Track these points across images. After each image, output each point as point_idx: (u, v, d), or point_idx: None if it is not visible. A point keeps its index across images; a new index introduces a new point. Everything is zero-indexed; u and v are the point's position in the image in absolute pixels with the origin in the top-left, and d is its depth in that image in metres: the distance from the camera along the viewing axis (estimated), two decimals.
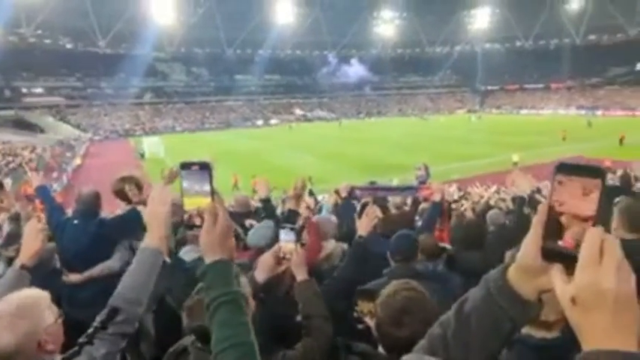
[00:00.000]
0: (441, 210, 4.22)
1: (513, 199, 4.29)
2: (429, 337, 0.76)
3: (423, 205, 5.22)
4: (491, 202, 7.22)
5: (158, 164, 11.11)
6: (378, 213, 4.02)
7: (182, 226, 3.32)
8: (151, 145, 34.04)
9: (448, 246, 3.71)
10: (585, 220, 0.56)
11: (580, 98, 61.03)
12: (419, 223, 4.49)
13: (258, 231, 2.95)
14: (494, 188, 11.77)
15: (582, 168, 0.57)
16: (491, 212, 4.83)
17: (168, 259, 1.88)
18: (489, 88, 75.65)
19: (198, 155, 4.47)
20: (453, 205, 6.91)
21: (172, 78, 69.67)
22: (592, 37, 70.01)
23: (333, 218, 3.43)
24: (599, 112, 51.75)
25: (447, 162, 23.69)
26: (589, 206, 0.56)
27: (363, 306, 1.87)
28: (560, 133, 30.87)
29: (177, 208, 1.92)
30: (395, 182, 16.29)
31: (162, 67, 69.20)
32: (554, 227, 0.59)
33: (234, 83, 71.01)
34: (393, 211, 5.81)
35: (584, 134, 32.48)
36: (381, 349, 1.50)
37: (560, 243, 0.58)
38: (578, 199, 0.56)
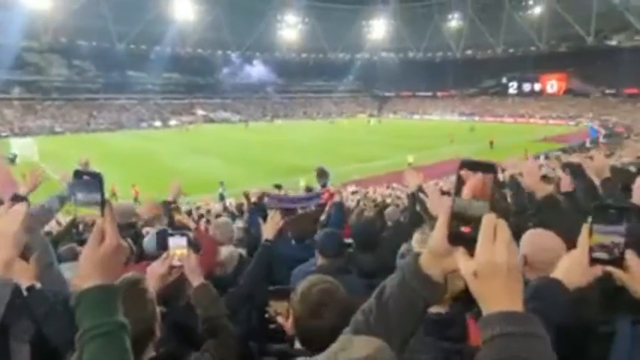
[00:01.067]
0: (343, 210, 4.53)
1: (407, 196, 4.55)
2: (354, 324, 0.82)
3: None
4: (388, 200, 7.63)
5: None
6: (280, 218, 4.21)
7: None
8: (21, 147, 29.30)
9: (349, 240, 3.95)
10: (481, 206, 0.66)
11: (461, 106, 69.17)
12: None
13: (153, 238, 2.87)
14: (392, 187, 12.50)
15: (479, 164, 0.68)
16: (388, 209, 5.03)
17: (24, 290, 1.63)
18: (387, 94, 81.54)
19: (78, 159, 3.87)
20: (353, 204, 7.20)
21: (50, 72, 60.70)
22: (469, 52, 79.78)
23: (229, 221, 3.49)
24: (476, 118, 59.19)
25: (349, 163, 24.70)
26: (485, 196, 0.67)
27: (277, 306, 1.89)
28: (448, 136, 34.49)
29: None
30: (302, 183, 16.43)
31: (34, 59, 59.73)
32: (458, 215, 0.68)
33: (127, 80, 64.78)
34: (300, 210, 5.81)
35: (467, 137, 36.62)
36: (298, 346, 1.52)
37: (462, 229, 0.68)
38: (477, 190, 0.67)
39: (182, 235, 1.65)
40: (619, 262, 0.95)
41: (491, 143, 30.78)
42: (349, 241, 4.34)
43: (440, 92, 76.23)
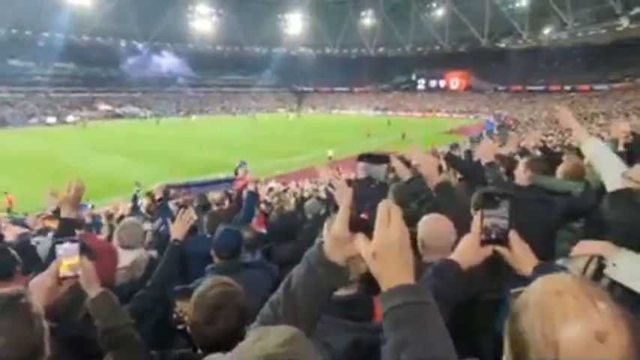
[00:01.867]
0: (257, 199, 4.43)
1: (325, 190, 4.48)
2: (261, 317, 0.86)
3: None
4: (306, 195, 7.56)
5: None
6: (193, 215, 3.99)
7: None
8: None
9: (263, 230, 4.08)
10: (377, 194, 0.76)
11: (376, 101, 72.42)
12: None
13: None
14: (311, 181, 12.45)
15: (375, 156, 0.77)
16: (308, 202, 4.89)
17: None
18: (305, 89, 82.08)
19: None
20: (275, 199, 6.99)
21: None
22: (381, 49, 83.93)
23: (137, 222, 3.19)
24: (389, 113, 62.43)
25: (270, 159, 24.34)
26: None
27: (182, 306, 1.87)
28: (366, 130, 35.76)
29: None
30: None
31: None
32: (358, 204, 0.76)
33: (9, 71, 55.91)
34: (214, 207, 5.50)
35: (384, 131, 38.16)
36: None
37: (361, 216, 0.76)
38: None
39: (72, 241, 1.47)
40: (505, 241, 1.09)
41: (404, 136, 32.71)
42: (263, 230, 4.29)
43: (356, 88, 78.90)
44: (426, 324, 0.70)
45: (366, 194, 0.77)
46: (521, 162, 2.95)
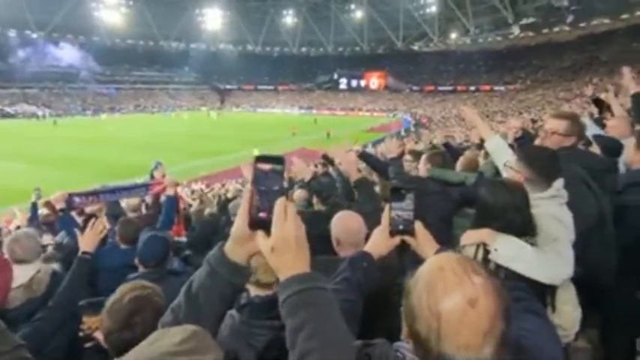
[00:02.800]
0: (176, 204, 4.12)
1: None
2: (162, 325, 0.87)
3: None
4: (231, 195, 7.31)
5: None
6: (106, 224, 3.74)
7: None
8: None
9: (183, 239, 3.92)
10: (275, 194, 0.80)
11: (301, 100, 72.92)
12: None
13: None
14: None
15: (271, 157, 0.81)
16: (232, 203, 4.65)
17: None
18: (228, 87, 79.62)
19: None
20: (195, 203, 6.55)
21: None
22: (304, 49, 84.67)
23: (33, 233, 2.71)
24: (314, 111, 63.32)
25: (195, 159, 23.19)
26: (275, 183, 0.80)
27: (90, 321, 1.79)
28: (291, 129, 35.70)
29: None
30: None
31: None
32: (256, 204, 0.80)
33: None
34: (130, 214, 4.96)
35: (310, 129, 38.46)
36: None
37: (260, 215, 0.80)
38: (270, 179, 0.81)
39: None
40: (411, 231, 1.19)
41: (328, 134, 33.33)
42: (182, 239, 3.95)
43: (280, 86, 78.60)
44: (320, 307, 0.76)
45: (265, 194, 0.80)
46: (423, 156, 3.18)
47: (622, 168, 2.77)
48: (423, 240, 1.20)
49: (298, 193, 4.44)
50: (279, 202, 0.78)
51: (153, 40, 77.50)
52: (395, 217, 1.18)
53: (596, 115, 4.54)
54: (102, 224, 2.49)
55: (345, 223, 1.87)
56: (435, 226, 2.32)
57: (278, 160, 0.81)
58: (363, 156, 4.41)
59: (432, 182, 2.80)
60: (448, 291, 0.72)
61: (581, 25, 53.34)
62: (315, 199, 3.44)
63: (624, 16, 48.54)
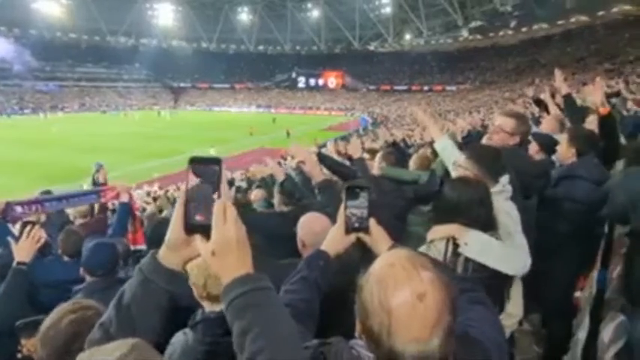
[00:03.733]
0: (131, 210, 4.02)
1: None
2: (89, 344, 0.82)
3: None
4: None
5: None
6: (42, 234, 3.12)
7: None
8: None
9: (142, 247, 3.67)
10: (211, 197, 0.78)
11: (259, 98, 71.91)
12: None
13: None
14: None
15: (205, 159, 0.80)
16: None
17: None
18: (182, 85, 76.88)
19: None
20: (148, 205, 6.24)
21: None
22: (261, 47, 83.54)
23: None
24: (272, 110, 62.76)
25: (147, 160, 22.21)
26: (212, 185, 0.79)
27: (29, 344, 1.66)
28: (248, 128, 35.12)
29: None
30: (85, 187, 13.61)
31: None
32: (191, 208, 0.78)
33: None
34: (78, 221, 4.64)
35: (269, 129, 37.99)
36: None
37: (197, 218, 0.78)
38: (206, 182, 0.79)
39: None
40: (365, 228, 1.21)
41: (288, 133, 33.17)
42: (140, 247, 3.77)
43: (237, 84, 77.07)
44: (265, 307, 0.75)
45: (202, 197, 0.78)
46: (377, 155, 3.25)
47: (557, 162, 3.00)
48: (377, 237, 1.21)
49: (256, 193, 4.37)
50: (218, 205, 0.76)
51: (99, 35, 73.13)
52: (350, 215, 1.19)
53: (537, 114, 4.88)
54: (38, 232, 2.32)
55: (310, 225, 1.86)
56: (390, 223, 2.39)
57: (214, 161, 0.80)
58: (320, 157, 4.40)
59: (386, 181, 2.85)
60: (398, 287, 0.73)
61: (523, 29, 56.96)
62: (278, 200, 3.39)
63: (560, 22, 52.44)
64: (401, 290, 0.72)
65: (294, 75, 76.25)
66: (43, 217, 4.78)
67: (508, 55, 56.97)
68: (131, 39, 76.91)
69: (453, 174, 2.08)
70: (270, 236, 2.20)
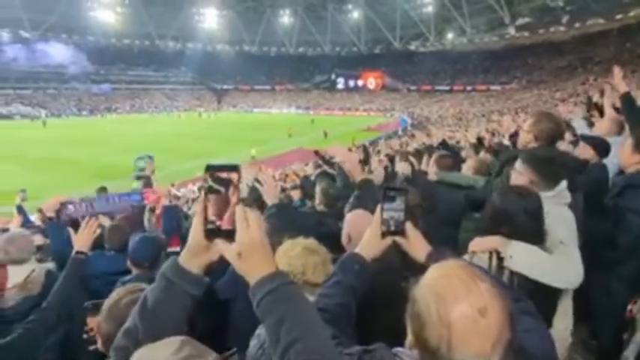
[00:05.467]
0: (176, 211, 4.07)
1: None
2: (116, 353, 0.85)
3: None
4: None
5: None
6: (101, 222, 3.66)
7: None
8: None
9: (176, 249, 3.66)
10: (235, 203, 0.80)
11: (298, 99, 72.84)
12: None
13: None
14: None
15: (223, 166, 0.81)
16: None
17: None
18: (225, 87, 79.34)
19: None
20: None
21: None
22: (301, 49, 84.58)
23: (27, 233, 2.75)
24: (311, 112, 63.29)
25: (191, 160, 23.08)
26: (232, 194, 0.80)
27: (93, 322, 1.71)
28: (287, 130, 35.54)
29: None
30: (135, 185, 14.38)
31: None
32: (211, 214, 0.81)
33: None
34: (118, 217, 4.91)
35: (307, 129, 38.33)
36: None
37: (217, 224, 0.81)
38: (224, 189, 0.80)
39: None
40: (402, 232, 1.20)
41: (326, 134, 33.29)
42: (174, 249, 3.87)
43: (277, 86, 78.48)
44: (295, 300, 0.80)
45: (221, 203, 0.80)
46: (430, 160, 3.17)
47: (611, 168, 2.77)
48: (414, 241, 1.20)
49: (293, 194, 4.46)
50: (239, 209, 0.79)
51: (149, 40, 77.14)
52: (386, 218, 1.18)
53: (586, 114, 4.57)
54: (96, 223, 2.42)
55: (356, 220, 1.85)
56: (443, 228, 2.35)
57: (232, 168, 0.81)
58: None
59: (440, 186, 2.81)
60: (457, 300, 0.73)
61: (576, 25, 53.61)
62: (319, 199, 3.39)
63: (618, 17, 48.85)
64: (461, 304, 0.72)
65: (333, 76, 76.43)
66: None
67: (559, 52, 53.88)
68: (178, 43, 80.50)
69: (512, 179, 2.02)
70: (308, 234, 2.25)
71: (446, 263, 0.84)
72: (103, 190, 7.61)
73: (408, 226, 1.20)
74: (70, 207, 4.53)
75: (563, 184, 1.78)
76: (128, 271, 2.58)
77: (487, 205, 1.70)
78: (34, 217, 7.26)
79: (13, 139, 31.10)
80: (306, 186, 4.81)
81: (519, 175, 1.85)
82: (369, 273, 1.21)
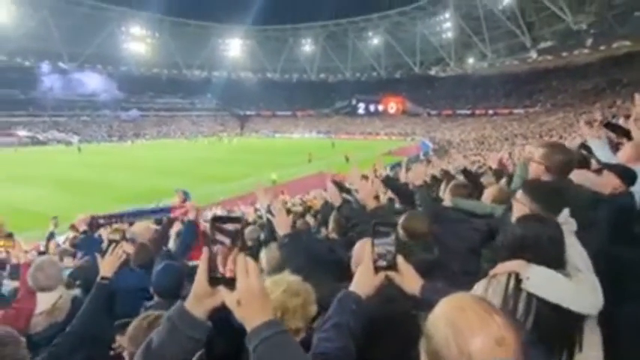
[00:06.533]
0: (196, 229, 4.13)
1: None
2: None
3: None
4: (250, 219, 7.33)
5: None
6: (127, 248, 3.57)
7: None
8: None
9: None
10: (232, 253, 0.87)
11: (319, 124, 73.78)
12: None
13: None
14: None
15: (227, 217, 0.88)
16: (247, 229, 4.66)
17: None
18: (248, 113, 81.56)
19: None
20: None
21: None
22: (322, 75, 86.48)
23: (55, 260, 2.93)
24: (332, 136, 63.90)
25: (211, 184, 23.54)
26: (233, 241, 0.87)
27: (122, 340, 1.79)
28: (307, 155, 35.54)
29: None
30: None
31: None
32: (214, 262, 0.87)
33: None
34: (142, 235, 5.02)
35: (328, 153, 38.66)
36: None
37: (220, 272, 0.87)
38: (227, 239, 0.87)
39: None
40: (394, 266, 1.21)
41: (347, 158, 33.37)
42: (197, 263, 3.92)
43: (299, 112, 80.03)
44: (288, 347, 0.86)
45: (224, 252, 0.87)
46: (447, 188, 3.15)
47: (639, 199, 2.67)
48: (407, 274, 1.23)
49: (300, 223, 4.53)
50: (240, 259, 0.86)
51: (176, 69, 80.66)
52: (378, 254, 1.20)
53: (615, 141, 4.39)
54: (121, 249, 2.52)
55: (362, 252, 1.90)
56: (463, 256, 2.30)
57: (235, 219, 0.89)
58: (387, 182, 4.34)
59: (455, 212, 2.77)
60: (476, 331, 0.76)
61: (602, 47, 52.79)
62: (332, 227, 3.40)
63: None
64: (479, 335, 0.75)
65: (353, 102, 77.37)
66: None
67: (584, 75, 52.94)
68: (204, 71, 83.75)
69: (514, 209, 1.99)
70: (319, 261, 2.28)
71: (457, 296, 0.86)
72: None
73: (400, 260, 1.22)
74: (101, 220, 4.76)
75: (566, 212, 1.75)
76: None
77: (504, 232, 1.67)
78: (67, 235, 7.51)
79: (49, 164, 32.68)
80: (324, 213, 4.84)
81: (521, 205, 1.85)
82: (365, 311, 1.21)
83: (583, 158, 3.65)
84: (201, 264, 0.88)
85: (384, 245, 1.21)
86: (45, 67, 64.29)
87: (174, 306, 0.93)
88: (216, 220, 0.88)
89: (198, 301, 0.90)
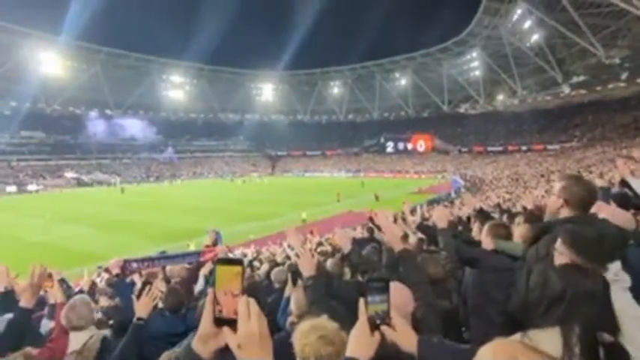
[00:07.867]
0: None
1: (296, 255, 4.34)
2: None
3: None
4: (279, 260, 7.31)
5: None
6: (162, 288, 3.88)
7: None
8: None
9: None
10: (235, 295, 0.87)
11: (347, 163, 74.53)
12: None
13: None
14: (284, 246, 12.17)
15: (230, 260, 0.90)
16: (275, 270, 4.67)
17: None
18: (279, 153, 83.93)
19: None
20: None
21: None
22: (351, 116, 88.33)
23: (87, 300, 2.87)
24: (361, 174, 64.11)
25: (244, 222, 23.90)
26: (236, 286, 0.88)
27: None
28: (336, 195, 35.28)
29: None
30: (192, 247, 15.09)
31: None
32: (219, 303, 0.88)
33: None
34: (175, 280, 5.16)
35: (358, 192, 38.75)
36: None
37: (225, 313, 0.88)
38: (230, 281, 0.88)
39: None
40: (389, 323, 1.16)
41: (377, 197, 33.16)
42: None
43: (328, 151, 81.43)
44: None
45: (227, 294, 0.88)
46: (484, 228, 2.98)
47: None
48: (401, 331, 1.18)
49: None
50: (242, 302, 0.87)
51: (212, 113, 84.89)
52: (373, 313, 1.16)
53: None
54: (156, 290, 2.56)
55: (394, 296, 1.75)
56: (503, 306, 2.09)
57: (237, 262, 0.91)
58: (422, 228, 4.26)
59: (497, 257, 2.62)
60: None
61: (638, 81, 51.23)
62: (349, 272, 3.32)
63: None
64: None
65: (382, 140, 77.98)
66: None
67: (621, 108, 51.23)
68: (237, 115, 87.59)
69: (555, 259, 1.69)
70: (350, 303, 2.23)
71: (501, 343, 0.88)
72: (163, 252, 8.16)
73: (394, 315, 1.17)
74: (134, 264, 4.94)
75: (617, 264, 1.50)
76: (185, 332, 2.70)
77: (530, 280, 1.32)
78: (102, 277, 7.80)
79: (92, 204, 34.46)
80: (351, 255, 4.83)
81: (561, 255, 1.57)
82: None
83: (623, 194, 3.48)
84: (207, 304, 0.90)
85: (374, 304, 1.16)
86: (93, 114, 69.55)
87: (183, 347, 0.96)
88: (219, 262, 0.91)
89: (204, 341, 0.91)
